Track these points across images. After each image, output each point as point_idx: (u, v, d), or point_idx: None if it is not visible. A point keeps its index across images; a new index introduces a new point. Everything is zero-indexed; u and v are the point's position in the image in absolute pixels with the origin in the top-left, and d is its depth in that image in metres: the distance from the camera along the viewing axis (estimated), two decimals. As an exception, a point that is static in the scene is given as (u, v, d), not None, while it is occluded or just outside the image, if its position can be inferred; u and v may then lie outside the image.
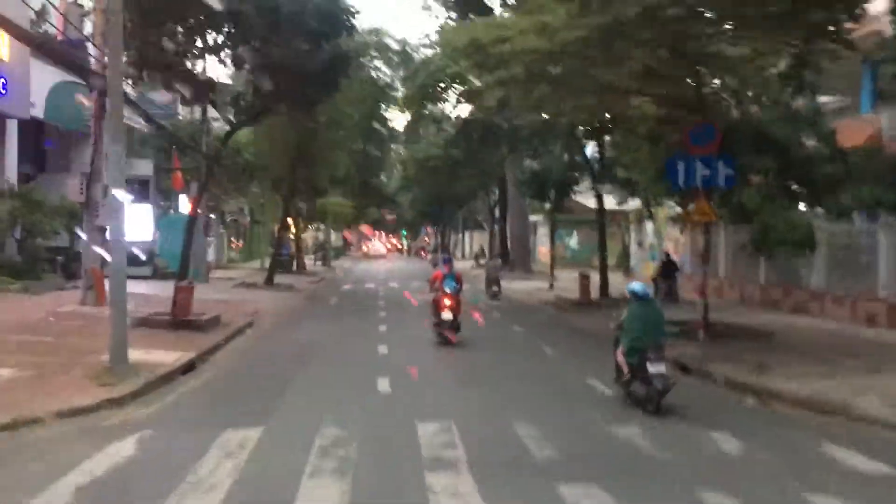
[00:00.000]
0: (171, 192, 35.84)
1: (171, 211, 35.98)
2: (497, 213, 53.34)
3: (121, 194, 11.57)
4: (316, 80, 17.25)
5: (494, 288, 28.44)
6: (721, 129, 15.48)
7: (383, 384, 11.55)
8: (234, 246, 52.23)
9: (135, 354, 11.66)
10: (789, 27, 13.97)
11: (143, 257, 28.32)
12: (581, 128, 25.43)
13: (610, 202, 29.94)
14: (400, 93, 31.79)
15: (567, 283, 29.94)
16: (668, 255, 27.20)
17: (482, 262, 51.84)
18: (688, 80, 16.41)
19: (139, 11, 14.89)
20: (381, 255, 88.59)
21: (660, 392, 9.38)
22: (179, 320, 16.26)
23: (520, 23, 14.81)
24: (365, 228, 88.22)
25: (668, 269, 25.74)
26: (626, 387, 10.07)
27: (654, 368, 9.47)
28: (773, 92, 16.86)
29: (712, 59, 15.47)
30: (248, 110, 17.11)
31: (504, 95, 17.65)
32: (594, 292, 25.76)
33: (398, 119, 56.30)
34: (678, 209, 29.80)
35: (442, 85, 28.03)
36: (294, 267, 41.65)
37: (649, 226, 34.44)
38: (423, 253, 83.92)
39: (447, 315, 15.65)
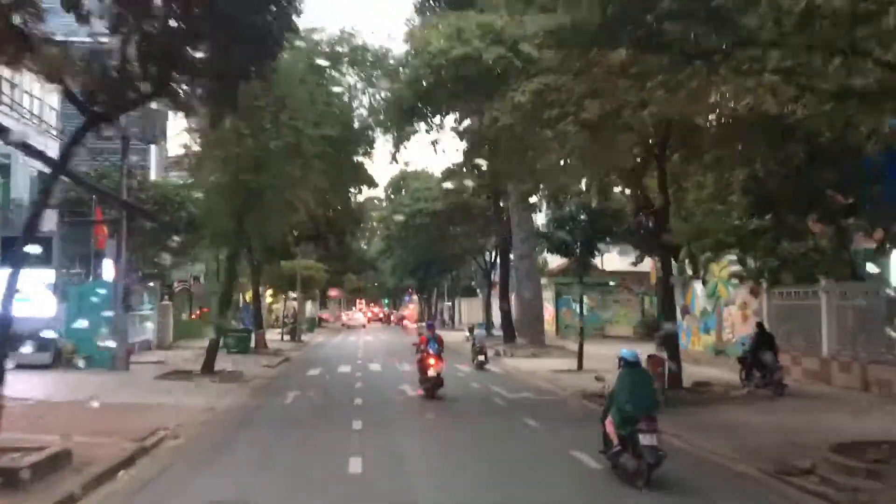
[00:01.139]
0: (85, 256, 28.19)
1: (87, 278, 28.23)
2: (495, 275, 46.25)
3: None
4: (244, 35, 10.05)
5: (480, 358, 26.84)
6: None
7: None
8: (195, 316, 44.56)
9: None
10: None
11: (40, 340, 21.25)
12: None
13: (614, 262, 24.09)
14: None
15: (599, 360, 22.50)
16: (760, 325, 19.87)
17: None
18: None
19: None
20: (360, 325, 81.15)
21: (650, 466, 9.03)
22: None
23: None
24: (334, 292, 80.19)
25: (761, 344, 18.40)
26: (614, 459, 9.56)
27: (645, 440, 9.10)
28: None
29: None
30: (118, 91, 9.70)
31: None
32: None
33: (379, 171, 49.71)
34: (736, 266, 23.39)
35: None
36: (252, 343, 33.86)
37: (698, 287, 27.23)
38: (404, 323, 76.19)
39: (432, 372, 18.38)
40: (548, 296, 50.47)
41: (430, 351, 18.44)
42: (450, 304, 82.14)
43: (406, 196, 47.83)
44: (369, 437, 13.37)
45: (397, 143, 23.86)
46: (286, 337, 45.00)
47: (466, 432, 14.25)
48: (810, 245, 19.08)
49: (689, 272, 27.57)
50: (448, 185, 43.94)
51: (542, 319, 33.21)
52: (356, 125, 25.10)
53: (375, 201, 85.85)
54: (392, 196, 51.75)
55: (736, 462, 10.93)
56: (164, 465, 11.05)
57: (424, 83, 20.36)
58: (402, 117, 21.98)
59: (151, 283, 34.69)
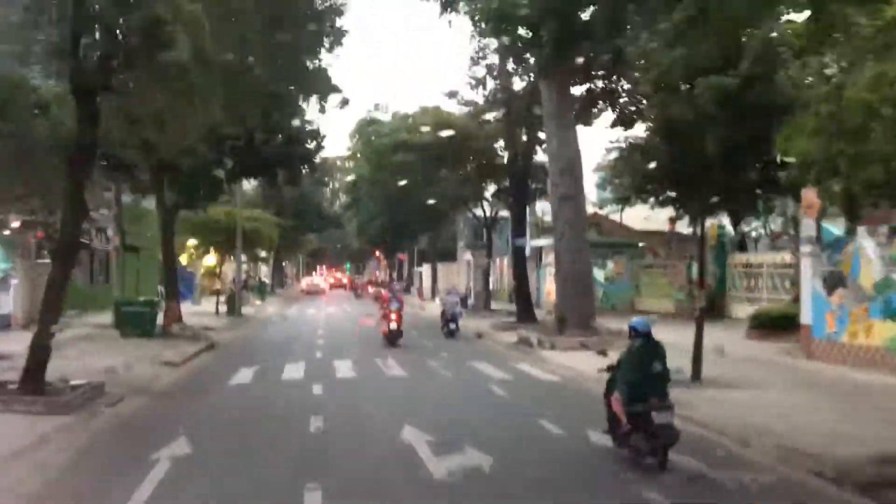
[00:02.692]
0: None
1: None
2: (503, 233, 35.63)
3: None
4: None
5: (451, 325, 24.90)
6: None
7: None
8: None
9: None
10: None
11: None
12: None
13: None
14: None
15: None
16: None
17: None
18: None
19: None
20: (319, 291, 71.57)
21: (666, 446, 8.36)
22: None
23: None
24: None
25: None
26: (623, 440, 8.85)
27: (659, 418, 8.39)
28: None
29: None
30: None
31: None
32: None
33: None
34: None
35: None
36: (160, 320, 23.01)
37: (868, 246, 16.97)
38: (368, 290, 65.85)
39: (393, 325, 21.55)
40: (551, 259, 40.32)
41: (392, 308, 21.76)
42: (420, 269, 71.76)
43: (381, 131, 36.90)
44: None
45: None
46: (223, 308, 34.06)
47: None
48: None
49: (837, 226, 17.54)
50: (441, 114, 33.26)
51: (593, 292, 22.66)
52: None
53: (339, 161, 74.93)
54: (359, 143, 40.83)
55: None
56: None
57: None
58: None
59: (7, 232, 23.49)
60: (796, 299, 24.63)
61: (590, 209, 41.24)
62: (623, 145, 16.80)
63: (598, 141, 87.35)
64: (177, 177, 24.84)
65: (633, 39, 20.77)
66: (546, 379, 15.92)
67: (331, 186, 79.71)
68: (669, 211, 34.56)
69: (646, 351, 8.79)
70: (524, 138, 29.60)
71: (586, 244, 22.06)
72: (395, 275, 76.32)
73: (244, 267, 61.74)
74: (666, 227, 40.11)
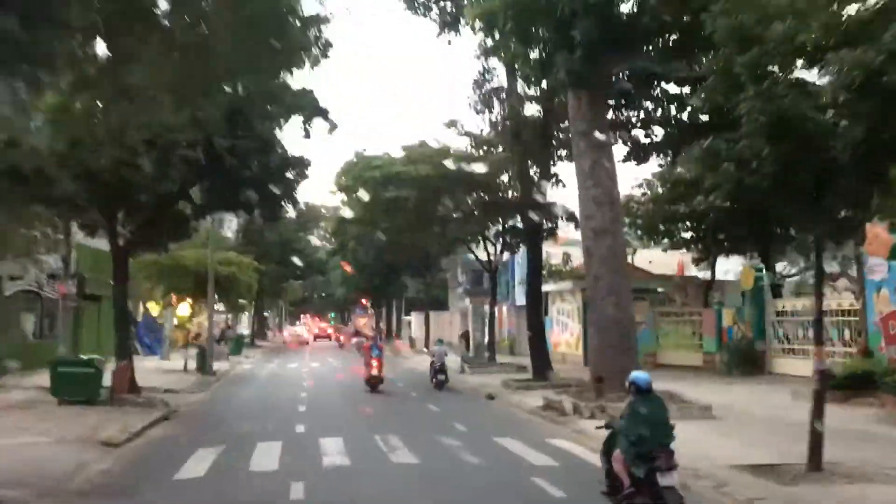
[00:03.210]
0: None
1: None
2: (515, 271, 31.80)
3: None
4: None
5: (440, 376, 24.26)
6: None
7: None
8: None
9: None
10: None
11: None
12: None
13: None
14: None
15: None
16: None
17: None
18: None
19: None
20: (303, 342, 68.65)
21: None
22: None
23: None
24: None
25: None
26: (627, 502, 8.21)
27: (665, 480, 7.89)
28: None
29: None
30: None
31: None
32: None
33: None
34: None
35: None
36: (107, 384, 18.86)
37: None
38: (350, 341, 62.00)
39: (374, 371, 22.97)
40: (564, 308, 36.47)
41: (373, 355, 23.30)
42: (409, 318, 67.73)
43: (373, 163, 33.22)
44: None
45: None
46: (192, 366, 29.77)
47: None
48: None
49: None
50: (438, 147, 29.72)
51: (635, 346, 18.57)
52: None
53: (323, 210, 71.27)
54: (349, 179, 36.97)
55: None
56: None
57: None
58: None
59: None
60: (864, 352, 21.00)
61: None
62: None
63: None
64: (132, 211, 21.05)
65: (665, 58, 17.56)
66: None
67: (315, 235, 76.07)
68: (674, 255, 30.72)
69: (650, 408, 8.33)
70: (537, 171, 26.04)
71: (628, 287, 18.15)
72: (381, 324, 72.41)
73: (223, 317, 57.58)
74: (675, 270, 36.67)
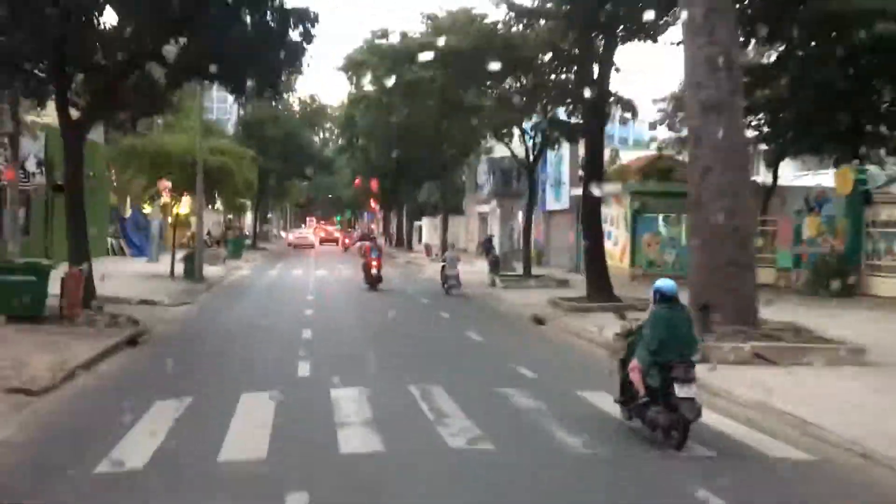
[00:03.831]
0: None
1: None
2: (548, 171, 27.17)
3: None
4: None
5: (452, 281, 24.17)
6: None
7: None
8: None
9: None
10: None
11: None
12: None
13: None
14: None
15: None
16: None
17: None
18: None
19: None
20: (308, 246, 64.25)
21: (687, 423, 7.39)
22: None
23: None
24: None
25: None
26: (640, 411, 7.89)
27: (682, 391, 7.42)
28: None
29: None
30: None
31: None
32: None
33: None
34: None
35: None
36: (51, 290, 14.58)
37: None
38: (347, 241, 62.47)
39: (374, 271, 24.57)
40: (609, 214, 31.74)
41: (373, 256, 25.05)
42: (420, 223, 63.42)
43: (388, 43, 27.95)
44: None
45: None
46: (180, 269, 25.43)
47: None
48: None
49: None
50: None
51: (753, 264, 13.91)
52: None
53: (328, 109, 65.69)
54: (364, 51, 31.61)
55: None
56: None
57: None
58: None
59: None
60: None
61: (654, 149, 32.88)
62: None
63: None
64: (92, 77, 16.33)
65: None
66: (767, 446, 7.69)
67: (321, 136, 70.98)
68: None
69: (671, 317, 7.84)
70: (601, 48, 20.91)
71: (748, 185, 13.59)
72: (391, 228, 68.53)
73: (219, 218, 53.24)
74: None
